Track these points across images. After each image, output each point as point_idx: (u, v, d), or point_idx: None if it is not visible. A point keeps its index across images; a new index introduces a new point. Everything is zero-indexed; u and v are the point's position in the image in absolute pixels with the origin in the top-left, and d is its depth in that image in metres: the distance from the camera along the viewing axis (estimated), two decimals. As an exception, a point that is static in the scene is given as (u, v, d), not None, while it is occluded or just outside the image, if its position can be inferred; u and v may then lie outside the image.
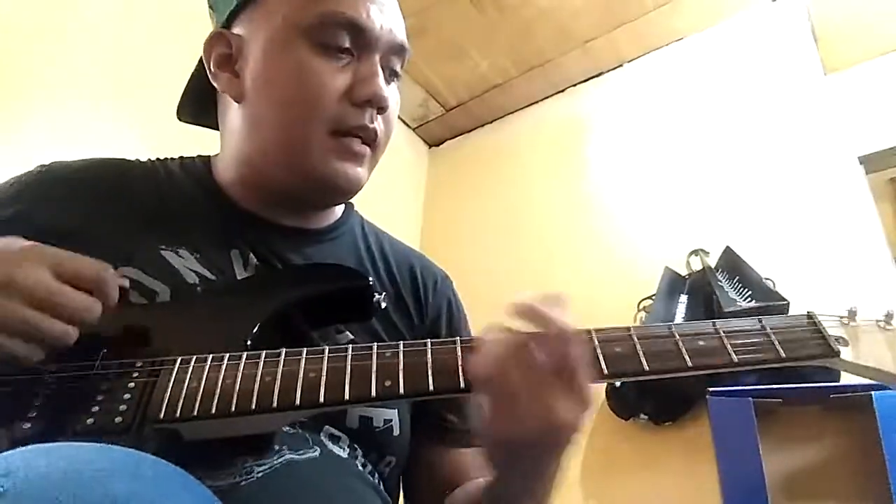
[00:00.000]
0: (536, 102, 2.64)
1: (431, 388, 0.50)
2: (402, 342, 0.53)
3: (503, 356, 0.49)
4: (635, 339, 0.53)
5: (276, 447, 0.54)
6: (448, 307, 0.81)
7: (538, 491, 0.58)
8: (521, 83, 2.56)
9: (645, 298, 1.86)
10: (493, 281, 2.22)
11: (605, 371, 0.51)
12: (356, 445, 0.63)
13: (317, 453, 0.57)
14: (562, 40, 2.37)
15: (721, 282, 1.71)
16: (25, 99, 1.38)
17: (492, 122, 2.75)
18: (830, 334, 0.53)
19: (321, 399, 0.49)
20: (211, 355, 0.51)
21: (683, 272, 1.86)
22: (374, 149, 0.72)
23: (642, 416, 1.71)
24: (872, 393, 1.22)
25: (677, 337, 0.53)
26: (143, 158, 0.78)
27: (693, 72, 2.26)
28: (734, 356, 0.52)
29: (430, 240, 2.58)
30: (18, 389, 0.49)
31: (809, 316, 0.55)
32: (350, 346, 0.52)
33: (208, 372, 0.50)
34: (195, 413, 0.48)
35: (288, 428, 0.57)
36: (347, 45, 0.68)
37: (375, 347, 0.52)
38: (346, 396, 0.49)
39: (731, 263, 1.74)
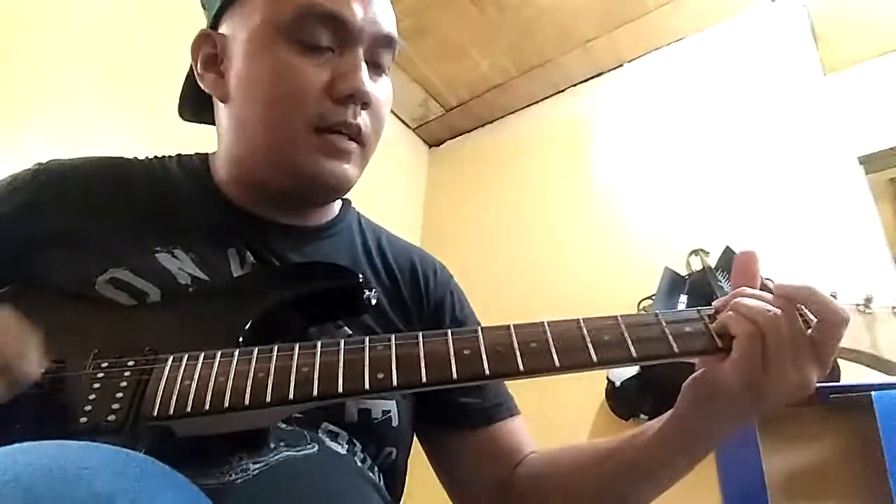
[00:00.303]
0: (537, 102, 2.64)
1: (424, 379, 0.50)
2: (394, 335, 0.53)
3: (773, 316, 0.52)
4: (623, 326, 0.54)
5: (273, 444, 0.54)
6: (450, 297, 0.81)
7: (699, 455, 0.60)
8: (521, 83, 2.56)
9: (645, 298, 1.85)
10: (493, 281, 2.22)
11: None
12: (355, 440, 0.62)
13: (314, 450, 0.57)
14: (562, 40, 2.36)
15: (721, 282, 1.71)
16: (26, 98, 1.38)
17: (492, 122, 2.75)
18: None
19: (315, 393, 0.48)
20: (203, 353, 0.51)
21: (683, 272, 1.85)
22: (363, 144, 0.70)
23: (642, 415, 1.71)
24: (872, 393, 1.22)
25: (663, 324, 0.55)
26: (142, 157, 0.78)
27: (693, 72, 2.26)
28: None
29: (430, 240, 2.57)
30: (10, 391, 0.49)
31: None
32: (342, 340, 0.52)
33: (201, 369, 0.50)
34: (188, 410, 0.47)
35: (285, 425, 0.57)
36: (328, 38, 0.67)
37: (368, 341, 0.52)
38: (340, 389, 0.49)
39: (731, 263, 1.73)
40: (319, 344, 0.52)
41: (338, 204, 0.81)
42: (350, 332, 0.67)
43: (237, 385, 0.49)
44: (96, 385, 0.50)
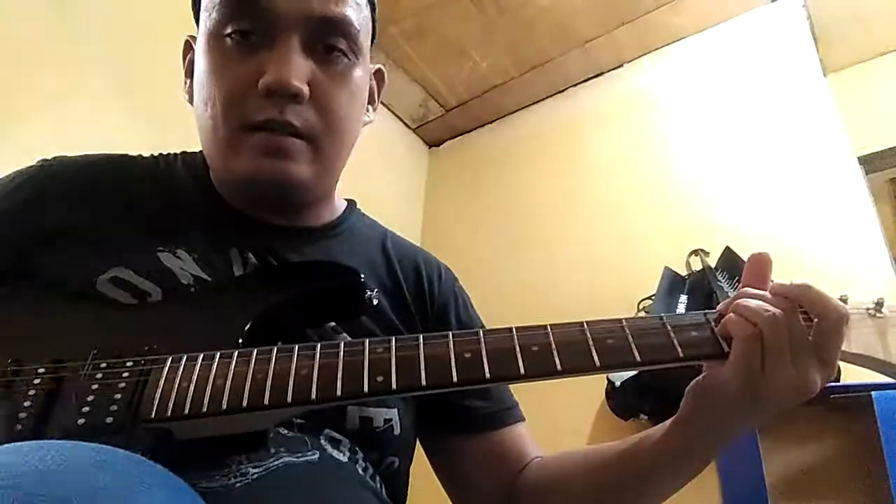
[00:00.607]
0: (536, 102, 2.64)
1: (424, 382, 0.49)
2: (394, 337, 0.52)
3: (772, 316, 0.51)
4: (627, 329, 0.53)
5: (273, 449, 0.53)
6: (455, 299, 0.80)
7: (702, 460, 0.59)
8: (521, 83, 2.56)
9: (645, 298, 1.85)
10: (493, 281, 2.22)
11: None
12: (357, 448, 0.62)
13: (315, 457, 0.56)
14: (562, 40, 2.36)
15: (721, 282, 1.71)
16: (26, 98, 1.38)
17: (492, 122, 2.75)
18: None
19: (313, 396, 0.48)
20: (202, 354, 0.51)
21: (683, 272, 1.85)
22: (310, 141, 0.65)
23: (642, 415, 1.70)
24: (872, 393, 1.22)
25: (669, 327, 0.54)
26: (146, 154, 0.77)
27: (693, 72, 2.26)
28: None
29: (431, 240, 2.57)
30: (8, 390, 0.49)
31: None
32: (342, 342, 0.52)
33: (199, 370, 0.49)
34: (186, 412, 0.47)
35: (286, 431, 0.56)
36: (255, 28, 0.63)
37: (367, 343, 0.51)
38: (339, 392, 0.48)
39: (731, 263, 1.73)
40: (319, 346, 0.51)
41: (341, 204, 0.80)
42: (349, 339, 0.66)
43: (235, 387, 0.48)
44: (95, 385, 0.49)
